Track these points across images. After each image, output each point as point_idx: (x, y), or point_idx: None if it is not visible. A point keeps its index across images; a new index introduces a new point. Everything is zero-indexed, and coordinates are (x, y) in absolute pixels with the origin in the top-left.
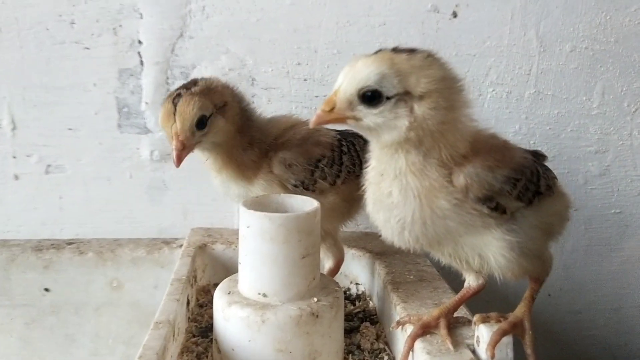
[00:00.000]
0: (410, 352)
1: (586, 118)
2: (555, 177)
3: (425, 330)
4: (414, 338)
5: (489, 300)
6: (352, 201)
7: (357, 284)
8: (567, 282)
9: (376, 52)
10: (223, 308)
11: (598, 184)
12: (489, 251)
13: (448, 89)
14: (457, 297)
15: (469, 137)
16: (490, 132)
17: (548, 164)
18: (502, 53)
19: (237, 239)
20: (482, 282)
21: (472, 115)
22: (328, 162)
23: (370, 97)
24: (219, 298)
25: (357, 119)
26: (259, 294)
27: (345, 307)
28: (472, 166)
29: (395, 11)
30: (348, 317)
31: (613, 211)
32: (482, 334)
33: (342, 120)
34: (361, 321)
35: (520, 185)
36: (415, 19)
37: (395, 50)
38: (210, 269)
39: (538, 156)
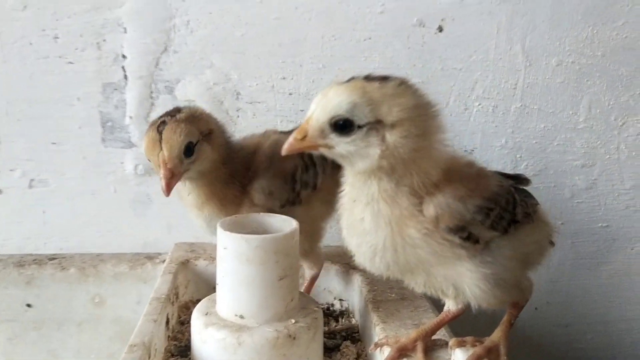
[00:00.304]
0: None
1: (573, 132)
2: (536, 204)
3: (402, 353)
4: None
5: (476, 315)
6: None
7: (341, 299)
8: (554, 295)
9: (348, 80)
10: (200, 330)
11: (585, 197)
12: (463, 282)
13: (420, 117)
14: (436, 320)
15: (443, 164)
16: (466, 160)
17: (535, 177)
18: (488, 67)
19: None
20: (462, 306)
21: (446, 141)
22: (302, 170)
23: (342, 126)
24: (197, 319)
25: (329, 147)
26: (236, 315)
27: (328, 324)
28: (443, 196)
29: (381, 26)
30: (331, 334)
31: (600, 225)
32: (458, 358)
33: (314, 148)
34: (343, 339)
35: (494, 215)
36: (401, 33)
37: (368, 78)
38: (192, 285)
39: (521, 180)
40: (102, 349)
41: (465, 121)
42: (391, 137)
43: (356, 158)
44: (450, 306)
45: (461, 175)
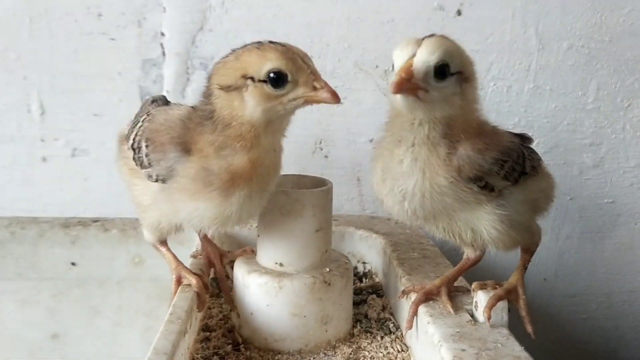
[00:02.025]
0: (415, 317)
1: (582, 112)
2: (540, 159)
3: (427, 297)
4: (417, 304)
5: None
6: None
7: (364, 262)
8: (562, 267)
9: (430, 36)
10: (243, 276)
11: (592, 174)
12: (481, 225)
13: (475, 75)
14: (456, 267)
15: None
16: (482, 118)
17: (545, 154)
18: (503, 49)
19: (253, 220)
20: (479, 253)
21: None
22: None
23: (442, 72)
24: (239, 267)
25: (426, 91)
26: (276, 263)
27: (354, 283)
28: (464, 149)
29: (403, 8)
30: (356, 291)
31: (606, 201)
32: (480, 298)
33: (415, 91)
34: (369, 294)
35: (507, 167)
36: (422, 16)
37: (443, 36)
38: (227, 246)
39: (524, 139)
40: (141, 306)
41: (481, 100)
42: (467, 88)
43: (442, 104)
44: (469, 254)
45: (479, 130)
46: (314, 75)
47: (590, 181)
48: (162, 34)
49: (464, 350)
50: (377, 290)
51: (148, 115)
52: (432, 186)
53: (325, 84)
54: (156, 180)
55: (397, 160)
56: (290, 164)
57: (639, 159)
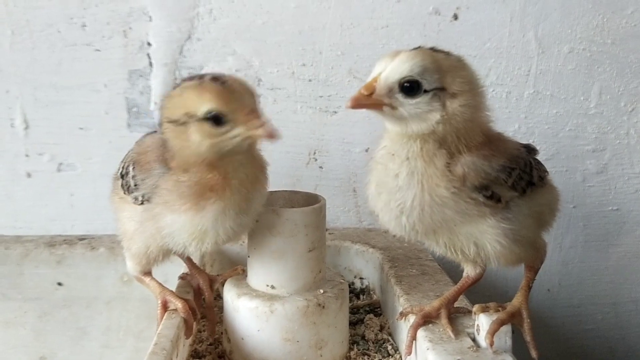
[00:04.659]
0: (414, 342)
1: (584, 117)
2: (546, 171)
3: (426, 320)
4: (416, 328)
5: (489, 295)
6: None
7: (361, 278)
8: (565, 277)
9: (416, 48)
10: (232, 299)
11: (596, 181)
12: (485, 239)
13: (476, 90)
14: (456, 287)
15: (483, 134)
16: (487, 126)
17: (547, 161)
18: (501, 54)
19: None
20: (480, 271)
21: (489, 117)
22: None
23: (410, 88)
24: (229, 290)
25: (393, 107)
26: (267, 285)
27: (350, 300)
28: (469, 155)
29: (398, 14)
30: (353, 310)
31: (610, 208)
32: (482, 322)
33: (378, 106)
34: (366, 313)
35: (515, 175)
36: (417, 21)
37: (433, 49)
38: (218, 263)
39: (530, 150)
40: (130, 327)
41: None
42: (452, 105)
43: (415, 120)
44: (469, 272)
45: (485, 139)
46: (252, 114)
47: (593, 188)
48: (149, 44)
49: None
50: (375, 308)
51: (136, 143)
52: (433, 198)
53: (263, 122)
54: (142, 203)
55: (393, 174)
56: (284, 176)
57: None
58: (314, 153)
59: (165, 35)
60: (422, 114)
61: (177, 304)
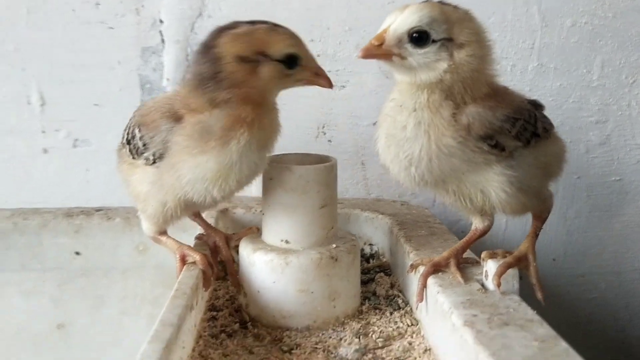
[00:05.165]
0: (424, 290)
1: (587, 90)
2: (552, 124)
3: (436, 268)
4: (426, 276)
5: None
6: None
7: (370, 244)
8: (570, 247)
9: (424, 1)
10: (248, 254)
11: (599, 152)
12: (490, 187)
13: (483, 42)
14: (464, 239)
15: (488, 86)
16: (493, 80)
17: None
18: (506, 28)
19: (256, 204)
20: (488, 223)
21: (496, 70)
22: None
23: (418, 38)
24: (245, 247)
25: (402, 57)
26: (282, 240)
27: (361, 265)
28: (474, 106)
29: None
30: (364, 271)
31: (613, 178)
32: (490, 267)
33: (388, 56)
34: (376, 273)
35: (519, 125)
36: None
37: (441, 2)
38: (231, 231)
39: (536, 105)
40: (146, 294)
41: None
42: (459, 54)
43: (423, 69)
44: (477, 224)
45: (490, 92)
46: (316, 62)
47: (597, 159)
48: (161, 22)
49: (475, 315)
50: (385, 270)
51: (136, 110)
52: (440, 148)
53: (323, 71)
54: (154, 162)
55: (401, 126)
56: (294, 149)
57: None
58: (323, 127)
59: (177, 13)
60: (430, 63)
61: (195, 256)
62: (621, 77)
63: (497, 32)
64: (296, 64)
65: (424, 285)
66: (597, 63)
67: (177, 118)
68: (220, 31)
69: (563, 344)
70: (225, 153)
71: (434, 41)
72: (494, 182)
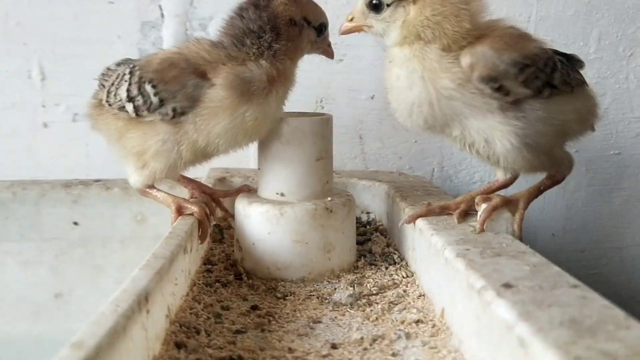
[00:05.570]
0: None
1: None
2: (581, 80)
3: (443, 211)
4: (432, 210)
5: None
6: None
7: (368, 212)
8: (570, 222)
9: None
10: (244, 207)
11: (597, 126)
12: (495, 135)
13: None
14: (482, 188)
15: (475, 23)
16: (510, 24)
17: None
18: (502, 2)
19: (254, 174)
20: (510, 177)
21: (480, 9)
22: None
23: (374, 6)
24: (240, 201)
25: (369, 27)
26: (277, 193)
27: (357, 228)
28: (481, 46)
29: None
30: (360, 232)
31: (612, 152)
32: (482, 210)
33: (360, 28)
34: (372, 234)
35: (529, 72)
36: None
37: None
38: (229, 200)
39: (573, 60)
40: None
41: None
42: (413, 10)
43: (388, 32)
44: (499, 176)
45: (502, 32)
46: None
47: (595, 133)
48: None
49: (467, 249)
50: (382, 232)
51: (133, 67)
52: (438, 91)
53: (330, 43)
54: (173, 116)
55: (395, 77)
56: None
57: None
58: (321, 101)
59: None
60: (390, 25)
61: (192, 208)
62: (618, 49)
63: (493, 5)
64: (322, 34)
65: (431, 213)
66: (594, 36)
67: (200, 73)
68: None
69: (555, 268)
70: (266, 104)
71: (387, 5)
72: (497, 131)
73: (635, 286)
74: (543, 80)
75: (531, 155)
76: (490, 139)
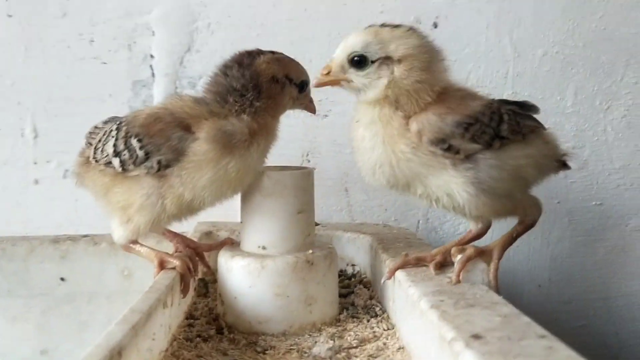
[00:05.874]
0: (394, 282)
1: (562, 116)
2: (535, 126)
3: (418, 262)
4: (407, 262)
5: None
6: None
7: (353, 265)
8: (555, 273)
9: (366, 27)
10: (226, 260)
11: (577, 177)
12: (452, 188)
13: (423, 54)
14: (457, 240)
15: (440, 92)
16: (458, 86)
17: None
18: (480, 59)
19: (240, 227)
20: (482, 226)
21: (444, 78)
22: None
23: (358, 62)
24: (222, 255)
25: (348, 81)
26: (259, 246)
27: (341, 281)
28: (425, 113)
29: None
30: (344, 285)
31: (594, 203)
32: (456, 261)
33: (336, 82)
34: (355, 286)
35: (474, 129)
36: None
37: (383, 25)
38: (215, 254)
39: (526, 107)
40: None
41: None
42: (398, 70)
43: (368, 89)
44: (472, 226)
45: (447, 97)
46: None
47: (576, 184)
48: (152, 56)
49: (442, 300)
50: (365, 285)
51: (120, 123)
52: (397, 154)
53: (312, 99)
54: (159, 169)
55: (360, 138)
56: None
57: (624, 161)
58: (307, 155)
59: (167, 48)
60: (372, 82)
61: (174, 262)
62: (595, 102)
63: (471, 62)
64: (304, 90)
65: (407, 264)
66: (570, 90)
67: (185, 126)
68: (253, 54)
69: (525, 318)
70: (247, 155)
71: (372, 62)
72: (453, 185)
73: (623, 337)
74: (491, 134)
75: (491, 200)
76: (450, 191)
